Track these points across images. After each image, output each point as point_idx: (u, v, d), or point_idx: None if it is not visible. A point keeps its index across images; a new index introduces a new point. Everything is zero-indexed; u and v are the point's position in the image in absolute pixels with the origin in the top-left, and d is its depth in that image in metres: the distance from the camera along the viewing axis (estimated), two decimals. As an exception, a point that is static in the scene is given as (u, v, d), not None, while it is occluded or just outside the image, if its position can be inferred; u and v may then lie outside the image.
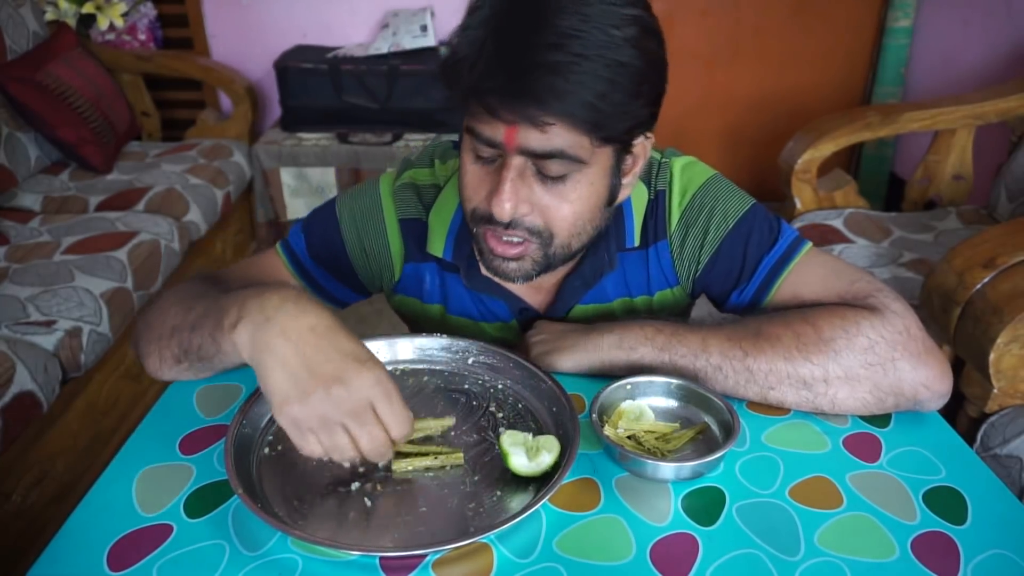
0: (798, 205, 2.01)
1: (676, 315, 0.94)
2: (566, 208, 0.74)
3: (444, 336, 0.84)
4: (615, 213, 0.84)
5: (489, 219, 0.74)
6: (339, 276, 0.92)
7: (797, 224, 1.96)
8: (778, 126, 2.99)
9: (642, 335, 0.79)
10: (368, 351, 0.64)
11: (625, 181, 0.79)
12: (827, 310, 0.77)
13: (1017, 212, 1.84)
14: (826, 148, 1.96)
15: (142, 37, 2.75)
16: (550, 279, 0.88)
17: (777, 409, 0.78)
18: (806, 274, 0.82)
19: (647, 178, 0.88)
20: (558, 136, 0.68)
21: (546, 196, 0.73)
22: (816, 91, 3.00)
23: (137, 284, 1.79)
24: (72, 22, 2.61)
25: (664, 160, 0.88)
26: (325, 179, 2.59)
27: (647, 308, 0.91)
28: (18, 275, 1.69)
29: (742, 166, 3.11)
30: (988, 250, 1.29)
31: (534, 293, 0.90)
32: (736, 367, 0.76)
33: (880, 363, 0.74)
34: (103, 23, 2.66)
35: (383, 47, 2.63)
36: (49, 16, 2.57)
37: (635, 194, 0.86)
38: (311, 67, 2.58)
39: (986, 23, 2.47)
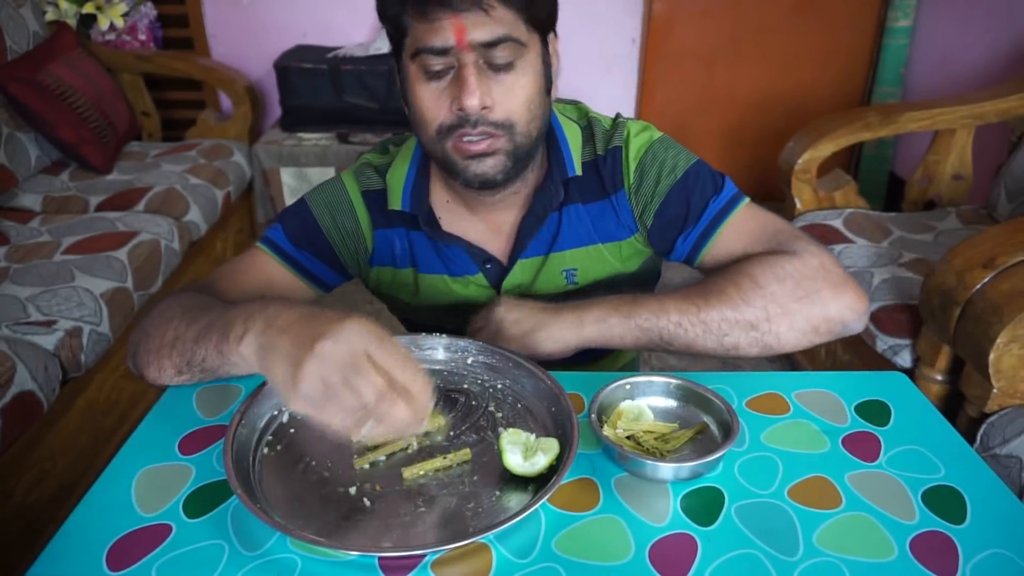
0: (798, 205, 2.01)
1: (645, 272, 1.01)
2: (519, 93, 0.82)
3: (444, 336, 0.84)
4: (552, 149, 0.93)
5: (458, 125, 0.81)
6: (320, 256, 0.96)
7: (797, 224, 1.96)
8: (778, 126, 2.99)
9: (610, 306, 0.86)
10: (355, 314, 0.62)
11: (554, 75, 0.89)
12: (758, 260, 0.86)
13: (1017, 212, 1.83)
14: (826, 148, 1.96)
15: (142, 37, 2.75)
16: (507, 220, 0.95)
17: (776, 409, 0.79)
18: (740, 227, 0.91)
19: (602, 135, 0.95)
20: (500, 19, 0.78)
21: (500, 89, 0.81)
22: (816, 91, 3.00)
23: (137, 284, 1.79)
24: (72, 22, 2.62)
25: (620, 121, 0.96)
26: (325, 179, 2.59)
27: (618, 254, 0.97)
28: (18, 275, 1.69)
29: (742, 166, 3.11)
30: (988, 250, 1.29)
31: (495, 241, 0.96)
32: (692, 320, 0.84)
33: (807, 295, 0.83)
34: (103, 23, 2.66)
35: (383, 47, 2.63)
36: (49, 16, 2.57)
37: (568, 130, 0.95)
38: (311, 67, 2.58)
39: (986, 23, 2.47)
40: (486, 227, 0.95)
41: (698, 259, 0.92)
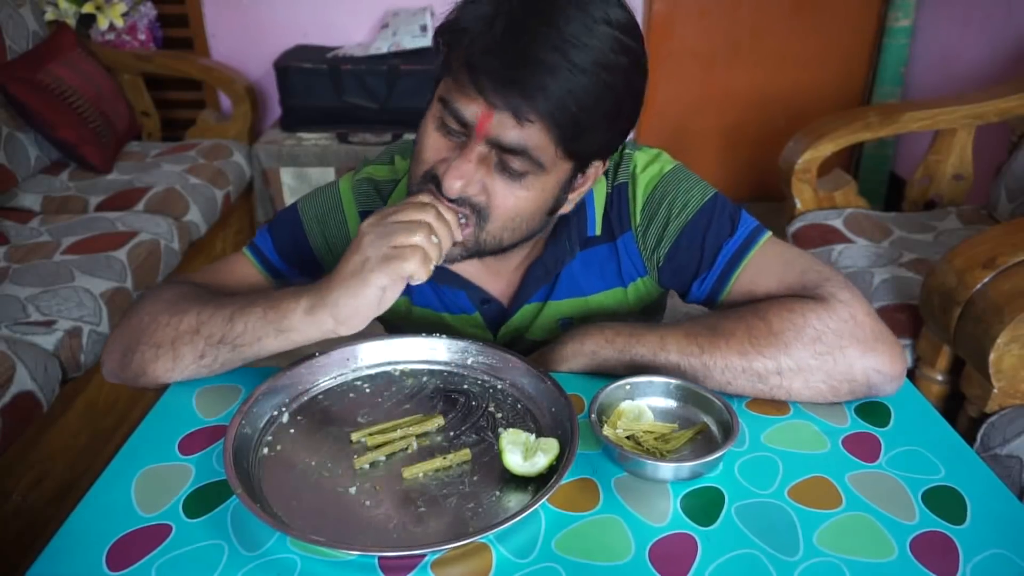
0: (798, 205, 2.01)
1: (651, 308, 0.96)
2: (511, 200, 0.74)
3: (444, 336, 0.84)
4: (578, 202, 0.85)
5: (439, 185, 0.74)
6: (307, 273, 0.93)
7: (797, 224, 1.96)
8: (778, 126, 2.99)
9: (602, 339, 0.81)
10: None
11: (571, 197, 0.81)
12: (778, 303, 0.79)
13: (1017, 212, 1.83)
14: (826, 148, 1.96)
15: (142, 37, 2.75)
16: (509, 266, 0.89)
17: (776, 409, 0.79)
18: (762, 265, 0.83)
19: (608, 170, 0.89)
20: (531, 135, 0.70)
21: (495, 185, 0.73)
22: (816, 91, 3.00)
23: (137, 284, 1.79)
24: (72, 22, 2.62)
25: (627, 152, 0.90)
26: (325, 179, 2.59)
27: (623, 300, 0.92)
28: (18, 275, 1.69)
29: (742, 166, 3.11)
30: (988, 250, 1.29)
31: (495, 282, 0.91)
32: (693, 364, 0.78)
33: (829, 352, 0.76)
34: (103, 23, 2.66)
35: (383, 47, 2.64)
36: (49, 16, 2.57)
37: (596, 184, 0.88)
38: (311, 67, 2.58)
39: (986, 23, 2.47)
40: (485, 267, 0.89)
41: (718, 303, 0.86)
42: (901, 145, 2.92)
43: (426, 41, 2.65)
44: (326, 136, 2.62)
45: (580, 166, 0.77)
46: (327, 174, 2.59)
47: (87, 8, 2.64)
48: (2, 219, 1.98)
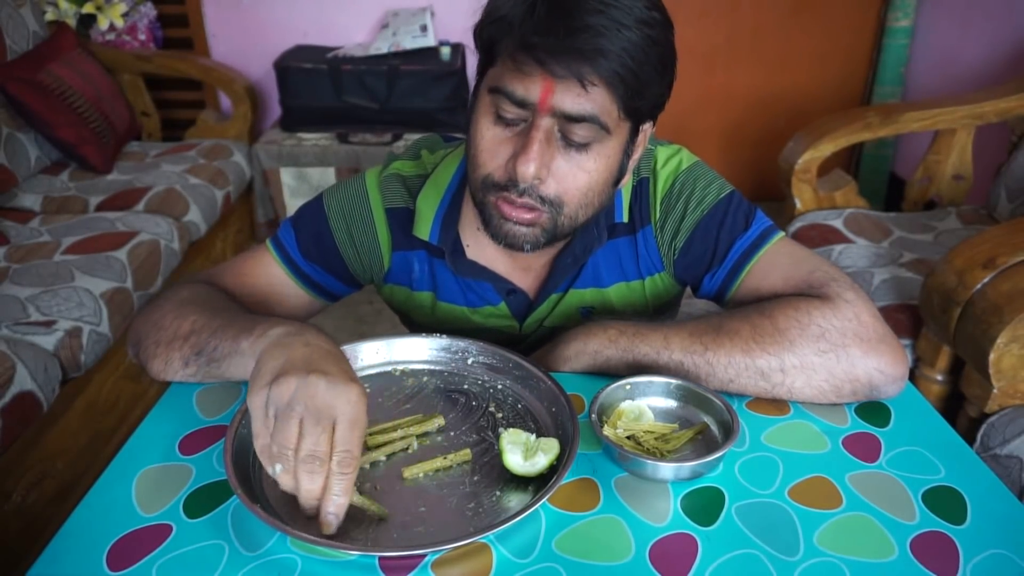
0: (798, 205, 2.01)
1: (664, 308, 0.96)
2: (582, 177, 0.75)
3: (444, 336, 0.84)
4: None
5: (503, 187, 0.75)
6: (330, 270, 0.93)
7: (797, 224, 1.96)
8: (778, 126, 2.99)
9: (605, 338, 0.81)
10: (362, 388, 0.63)
11: (628, 164, 0.82)
12: (783, 302, 0.79)
13: (1017, 212, 1.83)
14: (826, 148, 1.96)
15: (142, 37, 2.75)
16: (539, 260, 0.90)
17: (777, 409, 0.79)
18: (772, 263, 0.84)
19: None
20: (594, 98, 0.71)
21: (564, 164, 0.74)
22: (816, 91, 3.01)
23: (137, 284, 1.79)
24: (72, 22, 2.62)
25: (649, 147, 0.90)
26: (325, 179, 2.59)
27: (639, 294, 0.93)
28: (18, 275, 1.69)
29: (742, 166, 3.11)
30: (988, 250, 1.29)
31: (522, 275, 0.91)
32: (697, 361, 0.78)
33: (832, 349, 0.76)
34: (103, 23, 2.66)
35: (383, 47, 2.64)
36: (49, 16, 2.57)
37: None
38: (311, 67, 2.58)
39: (986, 23, 2.47)
40: (513, 261, 0.90)
41: (727, 298, 0.87)
42: (901, 145, 2.92)
43: (426, 41, 2.65)
44: (326, 136, 2.62)
45: (635, 128, 0.78)
46: (327, 174, 2.59)
47: (87, 8, 2.64)
48: (2, 219, 1.98)
